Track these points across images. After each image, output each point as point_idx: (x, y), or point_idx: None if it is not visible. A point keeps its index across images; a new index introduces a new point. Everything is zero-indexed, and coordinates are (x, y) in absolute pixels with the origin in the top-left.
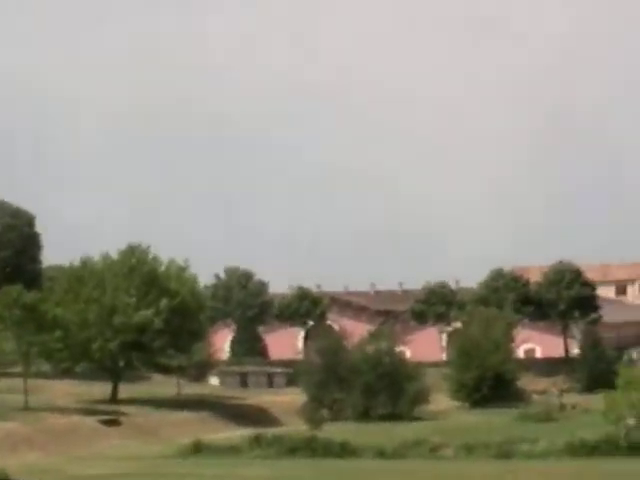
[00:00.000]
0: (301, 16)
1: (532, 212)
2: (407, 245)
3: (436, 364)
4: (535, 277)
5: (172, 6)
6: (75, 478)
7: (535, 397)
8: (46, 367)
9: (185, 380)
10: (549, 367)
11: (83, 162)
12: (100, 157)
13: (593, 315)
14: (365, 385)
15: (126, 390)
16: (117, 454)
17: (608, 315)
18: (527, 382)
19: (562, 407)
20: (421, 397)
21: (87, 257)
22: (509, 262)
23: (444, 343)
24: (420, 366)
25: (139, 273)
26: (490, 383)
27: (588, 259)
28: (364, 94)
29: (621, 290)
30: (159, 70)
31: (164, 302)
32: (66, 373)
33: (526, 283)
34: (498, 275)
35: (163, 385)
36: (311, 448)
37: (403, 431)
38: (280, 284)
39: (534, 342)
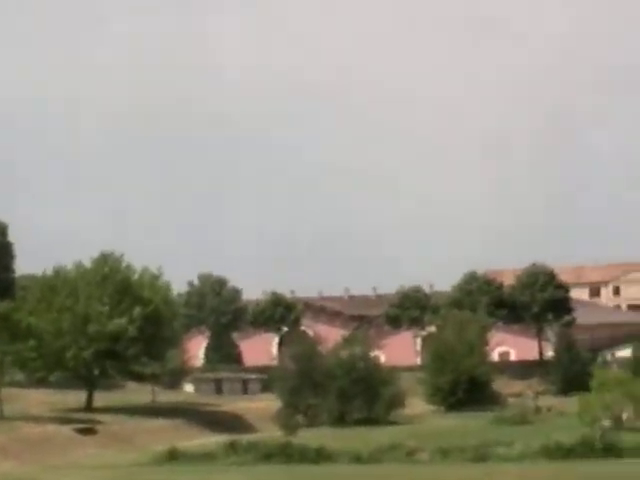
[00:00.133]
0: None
1: (509, 215)
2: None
3: (411, 368)
4: (509, 280)
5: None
6: None
7: (510, 400)
8: (20, 376)
9: (160, 387)
10: (524, 370)
11: (54, 170)
12: (70, 166)
13: (567, 317)
14: (340, 390)
15: (101, 398)
16: (92, 463)
17: (582, 317)
18: (502, 385)
19: (537, 410)
20: (396, 401)
21: (60, 266)
22: (482, 265)
23: (418, 347)
24: (395, 370)
25: (112, 281)
26: (465, 387)
27: (561, 261)
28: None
29: (595, 292)
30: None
31: (137, 310)
32: (40, 382)
33: (500, 286)
34: (472, 278)
35: (138, 393)
36: (286, 454)
37: (379, 436)
38: (254, 290)
39: (508, 345)
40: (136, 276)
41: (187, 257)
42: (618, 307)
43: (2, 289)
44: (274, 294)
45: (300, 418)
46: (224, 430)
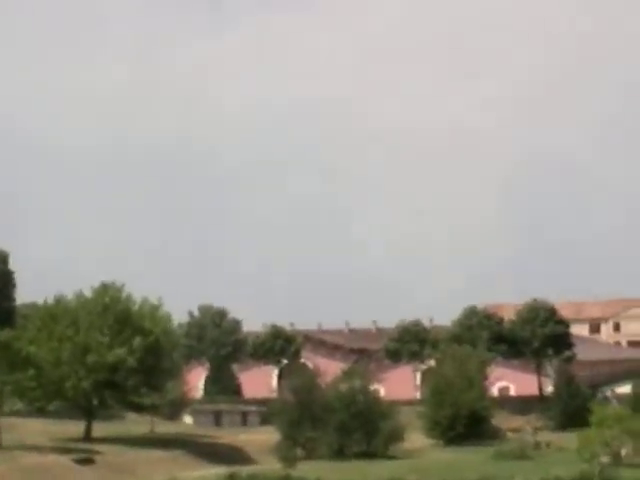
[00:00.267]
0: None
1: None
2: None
3: (410, 402)
4: (509, 315)
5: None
6: None
7: (509, 435)
8: (19, 405)
9: (159, 418)
10: (523, 405)
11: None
12: (70, 196)
13: (567, 353)
14: (339, 423)
15: (100, 429)
16: None
17: (582, 353)
18: (501, 420)
19: (536, 445)
20: (395, 435)
21: (61, 295)
22: (483, 300)
23: (418, 381)
24: (394, 404)
25: (113, 312)
26: (464, 421)
27: (561, 296)
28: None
29: (595, 328)
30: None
31: (137, 341)
32: (40, 411)
33: (500, 321)
34: (472, 313)
35: (137, 424)
36: None
37: (378, 470)
38: (254, 322)
39: (508, 380)
40: (136, 306)
41: (187, 288)
42: (618, 343)
43: (3, 317)
44: (274, 326)
45: (299, 451)
46: (223, 462)
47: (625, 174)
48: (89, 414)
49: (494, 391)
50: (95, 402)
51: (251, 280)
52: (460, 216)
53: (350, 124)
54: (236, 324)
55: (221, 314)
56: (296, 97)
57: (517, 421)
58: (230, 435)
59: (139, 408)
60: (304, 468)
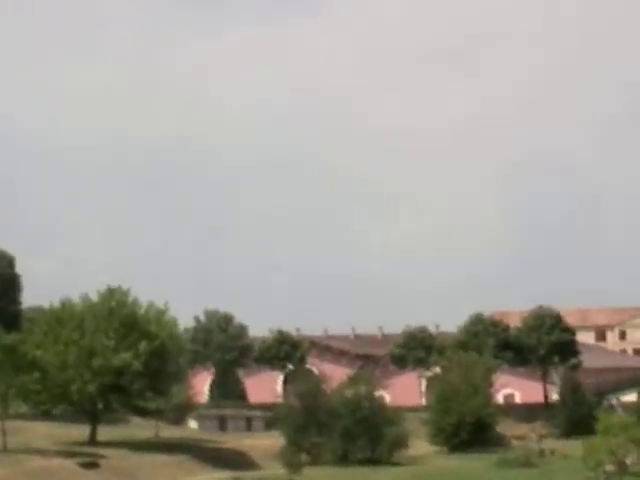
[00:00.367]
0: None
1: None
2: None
3: (415, 409)
4: (515, 322)
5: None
6: None
7: (514, 442)
8: (24, 409)
9: (164, 423)
10: (528, 412)
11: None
12: (76, 201)
13: (573, 360)
14: (344, 429)
15: (105, 432)
16: None
17: (588, 361)
18: (506, 427)
19: (541, 452)
20: (400, 442)
21: (67, 299)
22: (489, 307)
23: (423, 388)
24: (399, 411)
25: (118, 316)
26: (469, 428)
27: (567, 303)
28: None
29: (601, 336)
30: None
31: (143, 345)
32: (45, 415)
33: (506, 328)
34: (478, 320)
35: (142, 428)
36: None
37: (382, 476)
38: (260, 327)
39: (513, 387)
40: (142, 311)
41: (194, 293)
42: (624, 351)
43: (9, 321)
44: (280, 332)
45: (304, 456)
46: (227, 467)
47: (625, 174)
48: (94, 418)
49: (499, 398)
50: (100, 406)
51: (251, 280)
52: (460, 216)
53: (350, 124)
54: (242, 329)
55: (227, 319)
56: (296, 97)
57: (522, 428)
58: (235, 440)
59: (144, 412)
60: (308, 474)
